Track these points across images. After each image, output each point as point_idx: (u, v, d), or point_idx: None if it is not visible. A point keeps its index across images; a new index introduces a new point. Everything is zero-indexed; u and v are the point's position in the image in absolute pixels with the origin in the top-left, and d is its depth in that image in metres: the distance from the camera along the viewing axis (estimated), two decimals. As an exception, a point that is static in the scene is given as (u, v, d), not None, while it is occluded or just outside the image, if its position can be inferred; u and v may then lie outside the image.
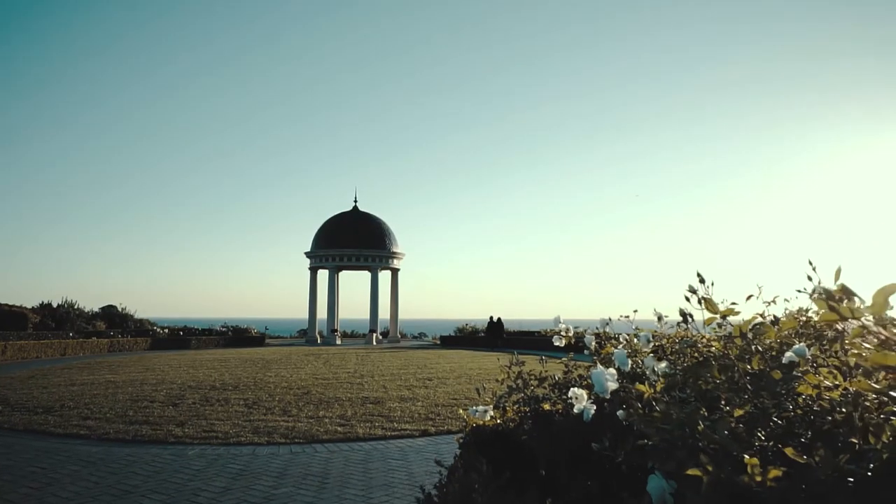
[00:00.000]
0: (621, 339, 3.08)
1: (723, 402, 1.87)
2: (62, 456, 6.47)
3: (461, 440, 3.12)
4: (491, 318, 32.51)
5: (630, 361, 2.67)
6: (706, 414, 1.73)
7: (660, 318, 3.10)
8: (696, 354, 2.92)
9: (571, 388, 2.65)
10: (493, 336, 31.59)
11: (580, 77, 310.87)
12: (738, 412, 1.65)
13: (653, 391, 1.76)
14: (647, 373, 2.21)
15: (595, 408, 2.60)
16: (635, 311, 3.37)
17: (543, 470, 2.83)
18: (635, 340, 3.23)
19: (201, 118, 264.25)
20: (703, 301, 1.77)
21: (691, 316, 1.72)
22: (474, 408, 3.13)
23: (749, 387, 1.69)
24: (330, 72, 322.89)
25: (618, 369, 2.43)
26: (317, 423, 8.42)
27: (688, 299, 1.83)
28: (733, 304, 1.81)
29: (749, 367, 1.73)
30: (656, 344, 2.94)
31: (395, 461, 6.39)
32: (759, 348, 1.73)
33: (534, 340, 29.60)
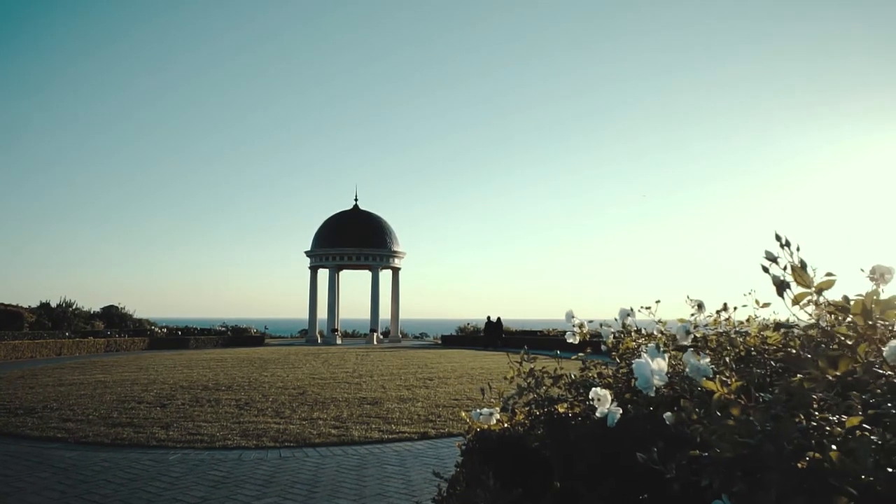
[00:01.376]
0: (654, 332, 2.61)
1: (814, 407, 1.41)
2: (33, 461, 6.00)
3: (463, 447, 2.66)
4: (489, 317, 31.96)
5: (666, 357, 2.18)
6: (804, 422, 1.27)
7: (700, 307, 2.63)
8: (740, 348, 2.46)
9: (593, 389, 2.18)
10: (493, 336, 31.04)
11: (581, 76, 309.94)
12: (853, 422, 1.19)
13: (726, 390, 1.29)
14: (688, 371, 1.76)
15: (621, 411, 2.14)
16: (658, 302, 2.89)
17: (559, 482, 2.37)
18: (656, 334, 2.77)
19: (201, 117, 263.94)
20: (791, 269, 1.30)
21: (789, 286, 1.24)
22: (478, 410, 2.67)
23: (881, 388, 1.22)
24: (330, 71, 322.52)
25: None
26: (310, 424, 7.96)
27: (766, 270, 1.36)
28: (829, 275, 1.34)
29: (859, 359, 1.27)
30: (697, 336, 2.47)
31: (392, 467, 5.93)
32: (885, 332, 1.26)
33: (536, 340, 29.10)
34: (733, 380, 1.32)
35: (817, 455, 1.23)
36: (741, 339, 2.35)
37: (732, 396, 1.28)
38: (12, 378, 13.92)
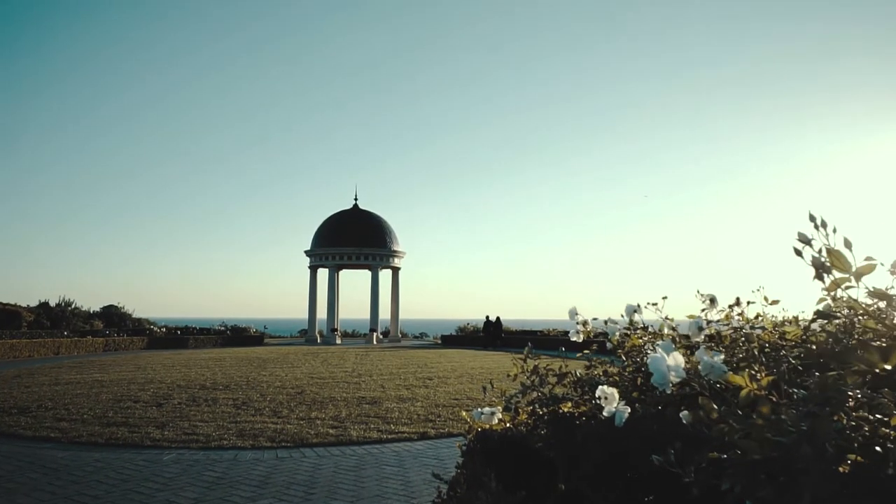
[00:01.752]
0: (665, 329, 2.49)
1: (850, 405, 1.29)
2: (24, 461, 5.88)
3: (464, 447, 2.54)
4: (487, 317, 31.84)
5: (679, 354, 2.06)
6: (842, 421, 1.15)
7: (712, 301, 2.50)
8: (756, 344, 2.34)
9: (600, 387, 2.07)
10: (492, 336, 30.90)
11: (583, 77, 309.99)
12: (897, 420, 1.07)
13: (755, 386, 1.17)
14: (702, 368, 1.65)
15: (629, 410, 2.03)
16: (665, 298, 2.77)
17: (563, 484, 2.26)
18: (667, 331, 2.66)
19: (201, 119, 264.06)
20: (827, 252, 1.18)
21: (829, 272, 1.12)
22: (479, 409, 2.55)
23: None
24: (331, 71, 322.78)
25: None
26: (308, 424, 7.83)
27: (798, 253, 1.24)
28: (868, 259, 1.22)
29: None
30: (709, 332, 2.35)
31: (391, 468, 5.80)
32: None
33: (536, 339, 28.98)
34: (763, 374, 1.20)
35: (859, 458, 1.11)
36: (757, 335, 2.23)
37: (763, 393, 1.16)
38: (8, 377, 13.80)
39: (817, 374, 1.73)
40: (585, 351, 2.69)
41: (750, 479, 1.33)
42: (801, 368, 1.98)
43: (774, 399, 1.16)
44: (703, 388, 1.62)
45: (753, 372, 1.24)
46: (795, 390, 1.20)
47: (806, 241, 1.22)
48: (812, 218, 1.22)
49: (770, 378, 1.17)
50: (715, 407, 1.44)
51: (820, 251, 1.21)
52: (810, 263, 1.12)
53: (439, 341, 36.34)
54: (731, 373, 1.24)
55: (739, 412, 1.40)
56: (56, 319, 29.98)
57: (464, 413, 2.63)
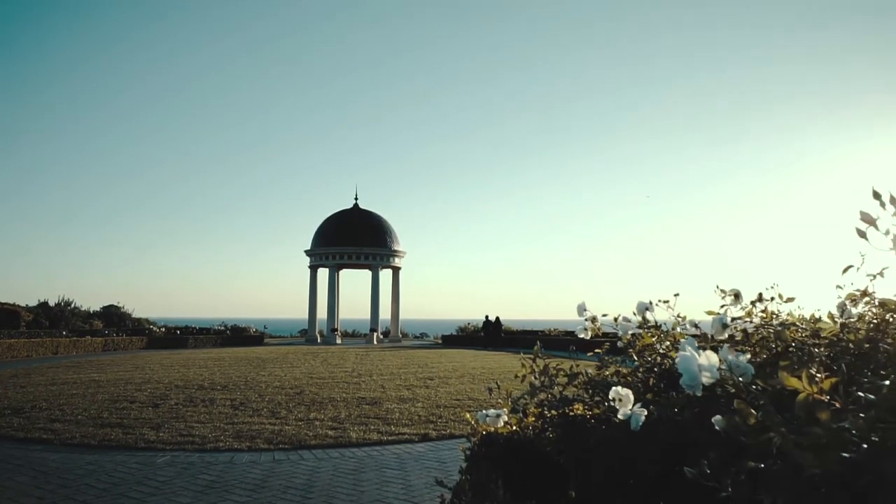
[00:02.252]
0: (687, 327, 2.32)
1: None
2: (13, 464, 5.71)
3: (467, 451, 2.37)
4: (486, 317, 31.72)
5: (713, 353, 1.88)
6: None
7: (737, 297, 2.33)
8: (789, 341, 2.17)
9: (613, 388, 1.91)
10: (491, 336, 30.76)
11: (584, 78, 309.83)
12: None
13: (815, 389, 1.00)
14: (727, 366, 1.49)
15: (646, 413, 1.87)
16: (677, 296, 2.60)
17: (574, 491, 2.11)
18: (679, 329, 2.50)
19: (201, 119, 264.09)
20: (898, 233, 1.01)
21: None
22: (484, 411, 2.38)
23: None
24: (331, 71, 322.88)
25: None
26: (306, 425, 7.67)
27: (862, 234, 1.08)
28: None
29: None
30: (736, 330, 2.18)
31: (391, 471, 5.63)
32: None
33: (537, 339, 28.75)
34: (823, 377, 1.03)
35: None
36: (788, 332, 2.06)
37: (825, 398, 0.99)
38: (5, 377, 13.63)
39: (869, 374, 1.56)
40: (596, 350, 2.53)
41: (797, 493, 1.17)
42: (834, 368, 1.82)
43: (838, 405, 1.00)
44: (740, 390, 1.45)
45: (812, 373, 1.07)
46: (862, 394, 1.03)
47: (871, 220, 1.05)
48: (876, 194, 1.05)
49: (833, 380, 1.00)
50: (753, 412, 1.28)
51: (887, 232, 1.04)
52: (892, 245, 0.95)
53: (440, 341, 36.19)
54: (784, 373, 1.06)
55: (779, 417, 1.24)
56: (55, 319, 29.86)
57: (467, 415, 2.47)
